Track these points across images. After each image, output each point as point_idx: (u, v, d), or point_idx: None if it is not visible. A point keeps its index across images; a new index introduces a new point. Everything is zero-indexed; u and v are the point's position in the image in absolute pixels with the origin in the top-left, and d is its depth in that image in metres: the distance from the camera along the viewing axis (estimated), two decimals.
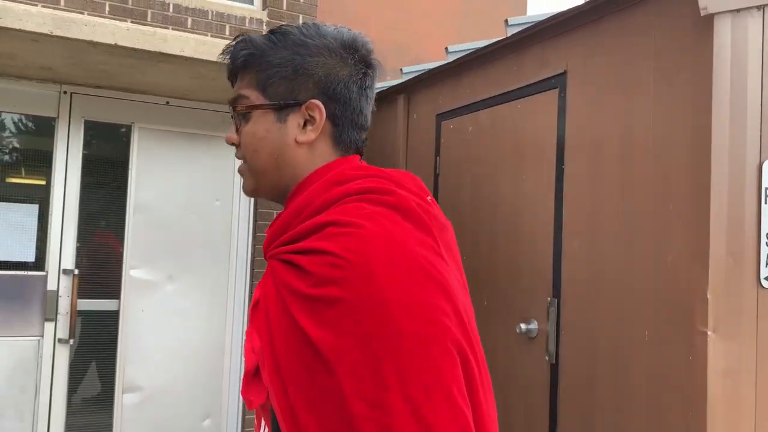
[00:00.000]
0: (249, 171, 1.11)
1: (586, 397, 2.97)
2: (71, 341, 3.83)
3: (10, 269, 3.77)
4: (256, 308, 0.98)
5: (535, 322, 3.29)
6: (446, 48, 3.99)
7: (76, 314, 3.84)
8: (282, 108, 1.07)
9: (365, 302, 0.84)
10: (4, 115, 3.83)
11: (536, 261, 3.31)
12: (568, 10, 3.08)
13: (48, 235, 3.84)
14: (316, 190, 1.01)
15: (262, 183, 1.10)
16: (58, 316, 3.83)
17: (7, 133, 3.85)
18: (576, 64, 3.12)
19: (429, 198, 1.06)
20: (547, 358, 3.19)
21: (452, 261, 1.02)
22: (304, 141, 1.06)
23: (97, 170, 4.01)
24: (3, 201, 3.80)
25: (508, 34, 3.48)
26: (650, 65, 2.72)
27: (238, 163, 1.15)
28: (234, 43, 1.12)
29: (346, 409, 0.81)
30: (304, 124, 1.07)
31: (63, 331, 3.84)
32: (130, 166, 4.04)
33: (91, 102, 3.97)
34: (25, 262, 3.82)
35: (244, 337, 1.02)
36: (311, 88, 1.07)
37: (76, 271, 3.84)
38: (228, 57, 1.12)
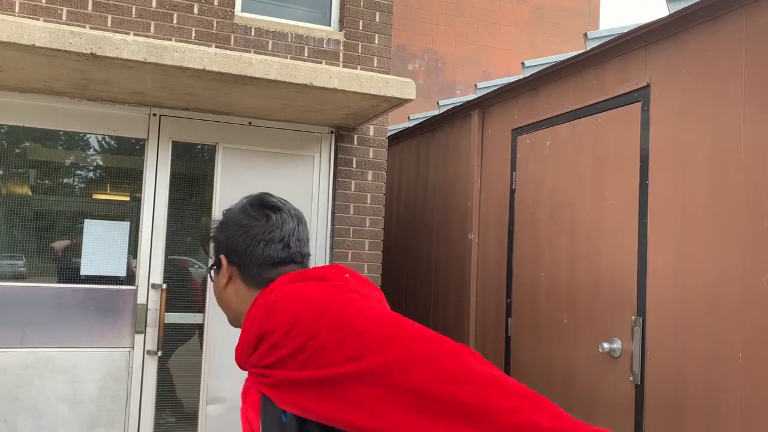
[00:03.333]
0: None
1: (674, 420, 2.87)
2: (159, 353, 3.99)
3: (103, 283, 3.97)
4: None
5: (619, 341, 3.21)
6: (522, 63, 3.97)
7: (163, 327, 4.00)
8: None
9: None
10: (98, 137, 4.05)
11: (619, 278, 3.23)
12: (650, 22, 3.02)
13: (138, 250, 4.03)
14: None
15: None
16: (147, 329, 4.00)
17: (100, 154, 4.07)
18: (660, 77, 3.05)
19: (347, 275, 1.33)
20: (631, 378, 3.11)
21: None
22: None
23: (184, 188, 4.19)
24: (97, 218, 4.01)
25: (588, 48, 3.43)
26: (740, 77, 2.63)
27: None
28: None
29: None
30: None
31: (152, 343, 4.00)
32: (215, 184, 4.20)
33: (179, 123, 4.15)
34: (118, 277, 4.01)
35: None
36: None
37: (164, 286, 4.01)
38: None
